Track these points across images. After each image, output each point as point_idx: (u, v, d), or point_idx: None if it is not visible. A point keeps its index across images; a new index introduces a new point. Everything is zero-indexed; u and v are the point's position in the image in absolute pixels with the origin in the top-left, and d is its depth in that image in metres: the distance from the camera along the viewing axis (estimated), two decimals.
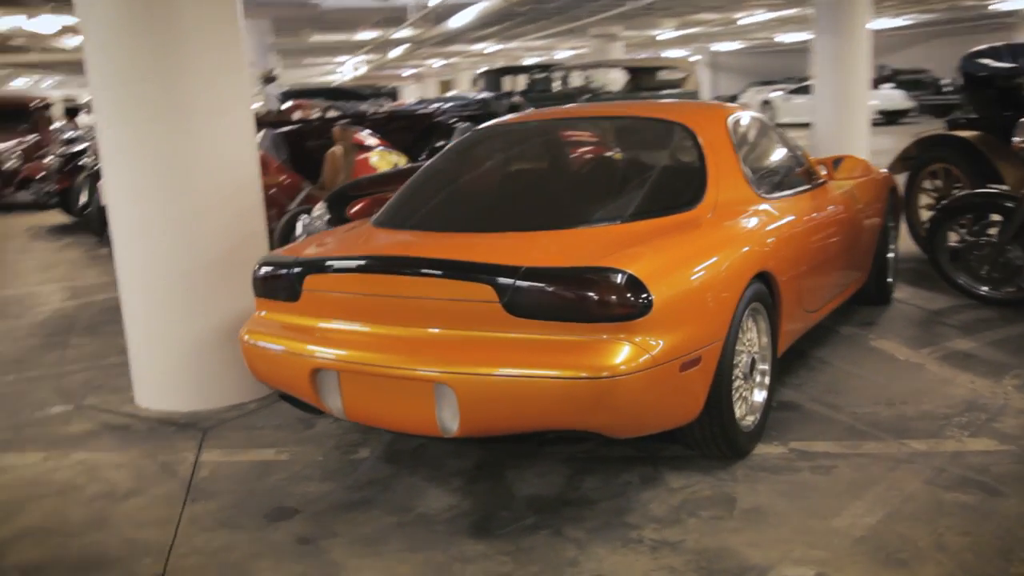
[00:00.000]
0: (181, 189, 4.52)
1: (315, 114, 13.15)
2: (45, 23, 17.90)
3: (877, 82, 29.16)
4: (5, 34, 18.97)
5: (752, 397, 3.83)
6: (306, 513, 3.48)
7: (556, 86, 19.92)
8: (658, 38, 31.27)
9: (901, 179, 7.65)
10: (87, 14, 4.47)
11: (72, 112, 20.21)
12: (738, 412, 3.68)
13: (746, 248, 3.71)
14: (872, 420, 4.05)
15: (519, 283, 3.10)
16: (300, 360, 3.47)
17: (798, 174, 4.76)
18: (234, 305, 4.64)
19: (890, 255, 6.00)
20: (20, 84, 36.56)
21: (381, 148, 9.18)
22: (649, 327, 3.09)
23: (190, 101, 4.48)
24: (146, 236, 4.58)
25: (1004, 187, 6.00)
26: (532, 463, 3.77)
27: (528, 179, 4.43)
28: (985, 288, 5.78)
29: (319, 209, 6.53)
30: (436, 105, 15.13)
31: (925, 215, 7.19)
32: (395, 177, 6.75)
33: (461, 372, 3.10)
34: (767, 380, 3.90)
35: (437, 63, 42.41)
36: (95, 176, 10.18)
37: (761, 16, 24.56)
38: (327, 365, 3.39)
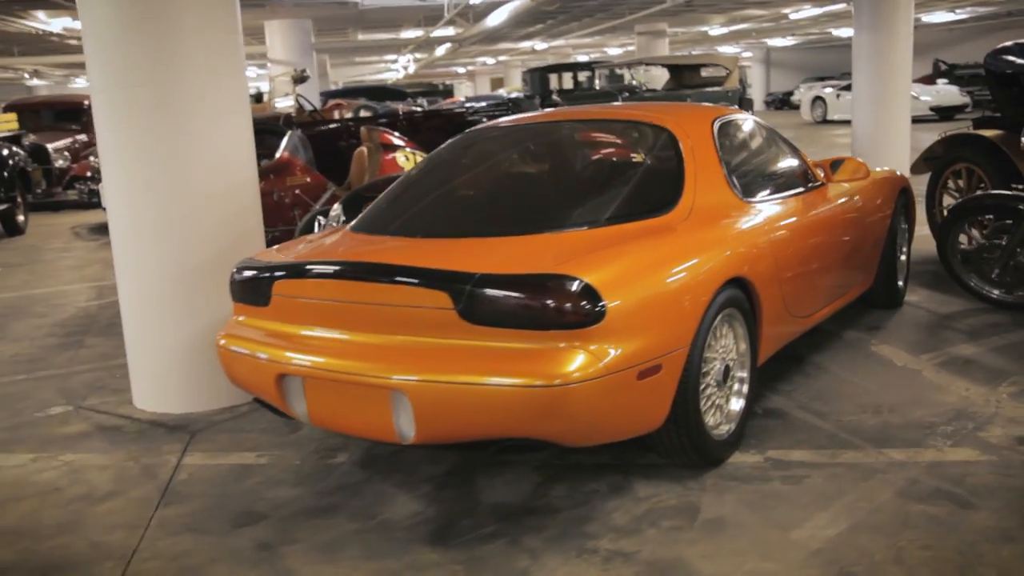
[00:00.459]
0: (173, 192, 4.58)
1: (348, 114, 13.28)
2: None
3: (933, 78, 28.66)
4: (62, 34, 19.39)
5: (728, 406, 3.77)
6: (272, 518, 3.50)
7: (597, 83, 19.82)
8: (709, 33, 30.95)
9: (924, 179, 7.52)
10: (87, 16, 4.55)
11: None
12: (711, 420, 3.62)
13: (719, 253, 3.65)
14: (855, 428, 3.97)
15: (474, 290, 3.09)
16: (267, 365, 3.50)
17: (793, 177, 4.68)
18: (228, 307, 4.66)
19: (902, 257, 5.87)
20: (80, 85, 37.35)
21: (407, 149, 9.23)
22: (605, 334, 3.06)
23: (187, 104, 4.53)
24: (140, 238, 4.65)
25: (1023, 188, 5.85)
26: (504, 470, 3.76)
27: (505, 184, 4.41)
28: (997, 291, 5.63)
29: (335, 210, 6.57)
30: (469, 104, 15.15)
31: None
32: None
33: (416, 379, 3.10)
34: (745, 388, 3.84)
35: (489, 61, 42.50)
36: None
37: (811, 11, 24.17)
38: (292, 371, 3.41)
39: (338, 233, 4.08)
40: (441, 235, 3.74)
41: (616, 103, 15.01)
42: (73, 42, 20.24)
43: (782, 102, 38.73)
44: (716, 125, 4.25)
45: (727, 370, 3.70)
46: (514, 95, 17.72)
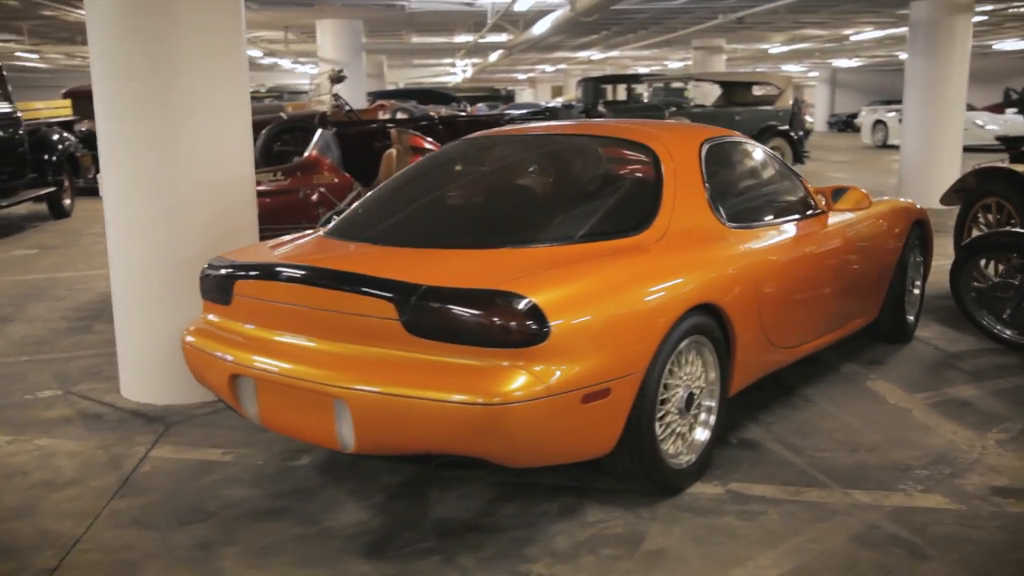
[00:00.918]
0: (163, 185, 4.61)
1: (385, 115, 13.32)
2: None
3: (1002, 106, 28.00)
4: None
5: (692, 435, 3.68)
6: (219, 518, 3.49)
7: (645, 97, 19.66)
8: (770, 52, 30.55)
9: (953, 211, 7.32)
10: (91, 8, 4.61)
11: None
12: (671, 449, 3.54)
13: (688, 278, 3.56)
14: (827, 466, 3.85)
15: (419, 302, 3.05)
16: (222, 364, 3.49)
17: (788, 204, 4.57)
18: None
19: (914, 291, 5.71)
20: None
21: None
22: (549, 355, 3.00)
23: (184, 100, 4.56)
24: (131, 229, 4.69)
25: None
26: (458, 485, 3.71)
27: (483, 195, 4.36)
28: (1010, 332, 5.44)
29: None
30: (509, 112, 15.13)
31: None
32: None
33: (357, 388, 3.06)
34: (712, 419, 3.74)
35: (548, 68, 42.46)
36: None
37: (872, 33, 23.72)
38: (244, 372, 3.40)
39: (312, 237, 4.06)
40: (407, 244, 3.70)
41: (613, 119, 14.87)
42: None
43: (846, 124, 38.11)
44: (705, 147, 4.15)
45: (691, 398, 3.61)
46: (556, 103, 17.61)
